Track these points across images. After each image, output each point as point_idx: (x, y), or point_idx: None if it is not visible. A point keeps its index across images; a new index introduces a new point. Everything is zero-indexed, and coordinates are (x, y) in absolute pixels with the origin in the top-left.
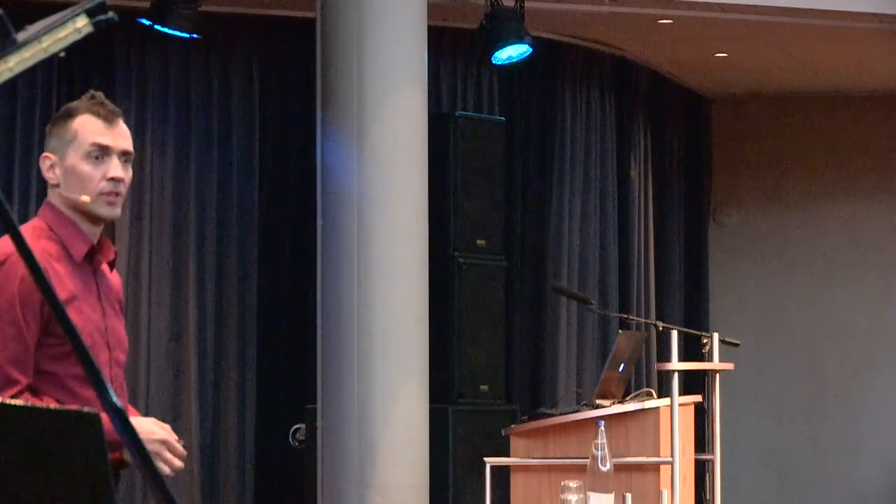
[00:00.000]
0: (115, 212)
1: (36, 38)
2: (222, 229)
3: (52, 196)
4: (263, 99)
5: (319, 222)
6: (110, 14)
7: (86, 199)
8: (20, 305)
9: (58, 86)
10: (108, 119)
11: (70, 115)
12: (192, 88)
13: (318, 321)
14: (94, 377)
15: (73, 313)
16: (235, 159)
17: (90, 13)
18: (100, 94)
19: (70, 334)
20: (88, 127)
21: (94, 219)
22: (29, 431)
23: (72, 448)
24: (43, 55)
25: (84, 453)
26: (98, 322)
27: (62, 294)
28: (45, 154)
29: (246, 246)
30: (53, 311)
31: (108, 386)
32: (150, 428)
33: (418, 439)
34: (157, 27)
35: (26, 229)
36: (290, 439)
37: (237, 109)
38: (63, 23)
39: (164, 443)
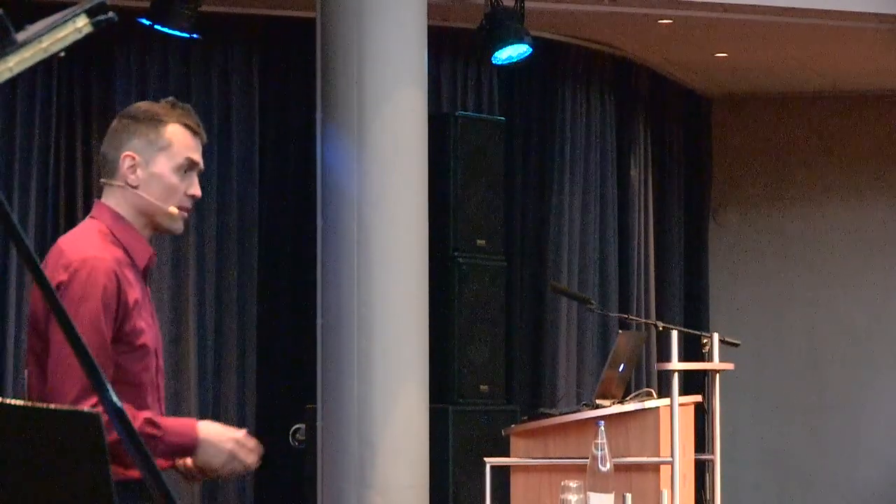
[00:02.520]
0: (182, 228)
1: (36, 38)
2: (222, 229)
3: (117, 197)
4: (263, 99)
5: (319, 222)
6: (110, 14)
7: (174, 210)
8: (104, 313)
9: (58, 86)
10: (198, 135)
11: (160, 120)
12: (192, 88)
13: (318, 321)
14: (95, 380)
15: (139, 320)
16: (235, 159)
17: (90, 13)
18: (186, 105)
19: (73, 340)
20: (181, 139)
21: (159, 228)
22: (29, 431)
23: (72, 448)
24: (43, 55)
25: (84, 453)
26: (156, 330)
27: (131, 301)
28: (128, 153)
29: (246, 246)
30: (58, 319)
31: (109, 388)
32: (219, 430)
33: (418, 439)
34: (157, 27)
35: (90, 232)
36: (290, 439)
37: (237, 109)
38: (63, 23)
39: (237, 441)
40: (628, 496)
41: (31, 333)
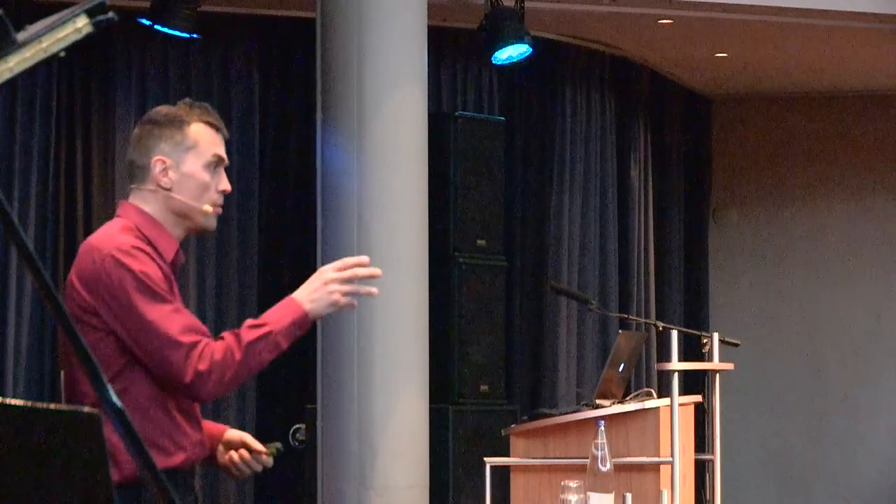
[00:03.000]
0: (215, 225)
1: (36, 38)
2: (222, 228)
3: (146, 199)
4: (263, 99)
5: (319, 222)
6: (110, 14)
7: (209, 209)
8: (159, 281)
9: (58, 86)
10: (221, 132)
11: (183, 121)
12: (192, 88)
13: (319, 321)
14: (94, 376)
15: (180, 301)
16: (235, 159)
17: (90, 13)
18: (204, 104)
19: (74, 340)
20: (206, 136)
21: (193, 227)
22: (29, 431)
23: (72, 448)
24: (43, 55)
25: (84, 453)
26: None
27: (170, 282)
28: (158, 157)
29: (246, 246)
30: (58, 318)
31: (109, 388)
32: (305, 286)
33: (418, 439)
34: (157, 27)
35: (116, 227)
36: (290, 439)
37: (237, 109)
38: (63, 23)
39: (327, 279)
40: (628, 496)
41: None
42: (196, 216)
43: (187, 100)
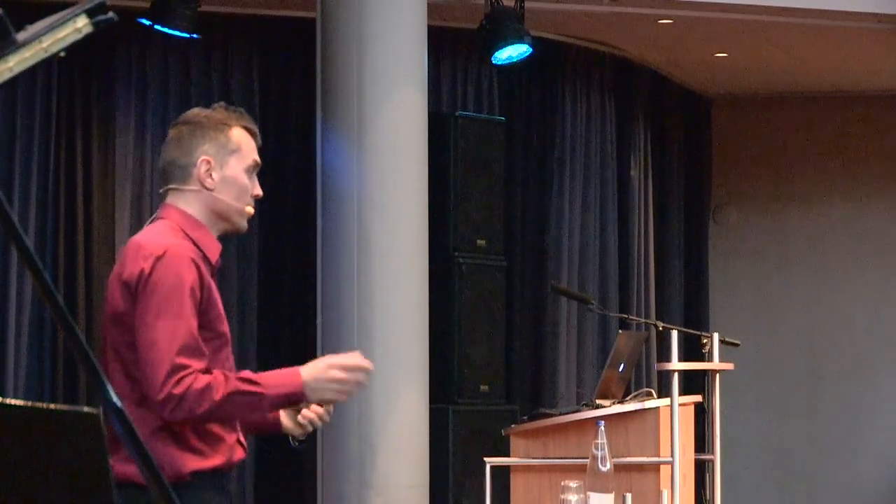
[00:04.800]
0: (246, 227)
1: (36, 38)
2: None
3: (188, 199)
4: (263, 99)
5: (319, 222)
6: (110, 14)
7: (250, 209)
8: (190, 298)
9: (58, 86)
10: (257, 138)
11: (226, 124)
12: (192, 88)
13: (318, 321)
14: (94, 377)
15: (219, 307)
16: None
17: (90, 13)
18: (240, 109)
19: (74, 340)
20: (247, 141)
21: (228, 228)
22: (29, 431)
23: (72, 448)
24: (43, 55)
25: (84, 453)
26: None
27: (212, 288)
28: (204, 157)
29: (246, 246)
30: (59, 319)
31: (109, 387)
32: (316, 365)
33: (418, 439)
34: (157, 27)
35: (163, 228)
36: (290, 439)
37: None
38: (63, 23)
39: (340, 366)
40: (628, 496)
41: (112, 330)
42: (235, 217)
43: (222, 103)
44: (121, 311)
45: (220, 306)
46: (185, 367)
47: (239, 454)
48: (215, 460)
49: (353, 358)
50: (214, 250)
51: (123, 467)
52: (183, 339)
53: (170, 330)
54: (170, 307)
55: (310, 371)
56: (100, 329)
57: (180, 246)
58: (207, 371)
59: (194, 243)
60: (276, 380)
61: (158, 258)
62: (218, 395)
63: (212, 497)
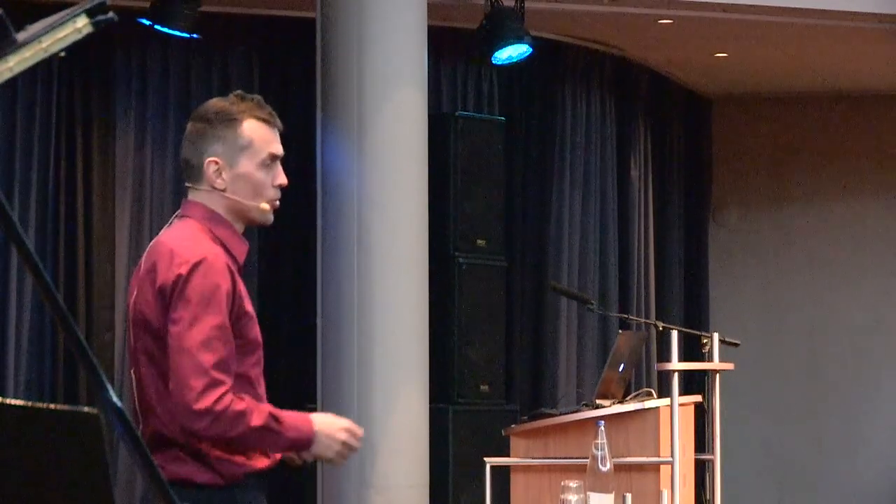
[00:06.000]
0: (272, 219)
1: (36, 38)
2: None
3: (207, 197)
4: (263, 99)
5: (319, 222)
6: (110, 14)
7: (266, 206)
8: (226, 306)
9: (58, 86)
10: (274, 125)
11: (235, 118)
12: (192, 88)
13: (318, 321)
14: (94, 377)
15: (250, 312)
16: None
17: (90, 13)
18: (256, 96)
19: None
20: (260, 134)
21: (251, 223)
22: (29, 431)
23: (72, 448)
24: (43, 55)
25: (84, 453)
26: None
27: (244, 294)
28: (212, 158)
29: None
30: (60, 321)
31: (109, 388)
32: (331, 422)
33: (418, 439)
34: (157, 27)
35: (192, 231)
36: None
37: None
38: (63, 23)
39: (349, 431)
40: (628, 496)
41: (143, 335)
42: (253, 213)
43: (239, 92)
44: (155, 318)
45: (251, 308)
46: (221, 382)
47: (277, 455)
48: (260, 462)
49: (360, 429)
50: (241, 251)
51: (175, 467)
52: (219, 352)
53: (206, 340)
54: (206, 317)
55: (322, 425)
56: (126, 333)
57: (216, 255)
58: (234, 391)
59: (222, 244)
60: (293, 422)
61: (196, 265)
62: (252, 424)
63: (258, 497)
